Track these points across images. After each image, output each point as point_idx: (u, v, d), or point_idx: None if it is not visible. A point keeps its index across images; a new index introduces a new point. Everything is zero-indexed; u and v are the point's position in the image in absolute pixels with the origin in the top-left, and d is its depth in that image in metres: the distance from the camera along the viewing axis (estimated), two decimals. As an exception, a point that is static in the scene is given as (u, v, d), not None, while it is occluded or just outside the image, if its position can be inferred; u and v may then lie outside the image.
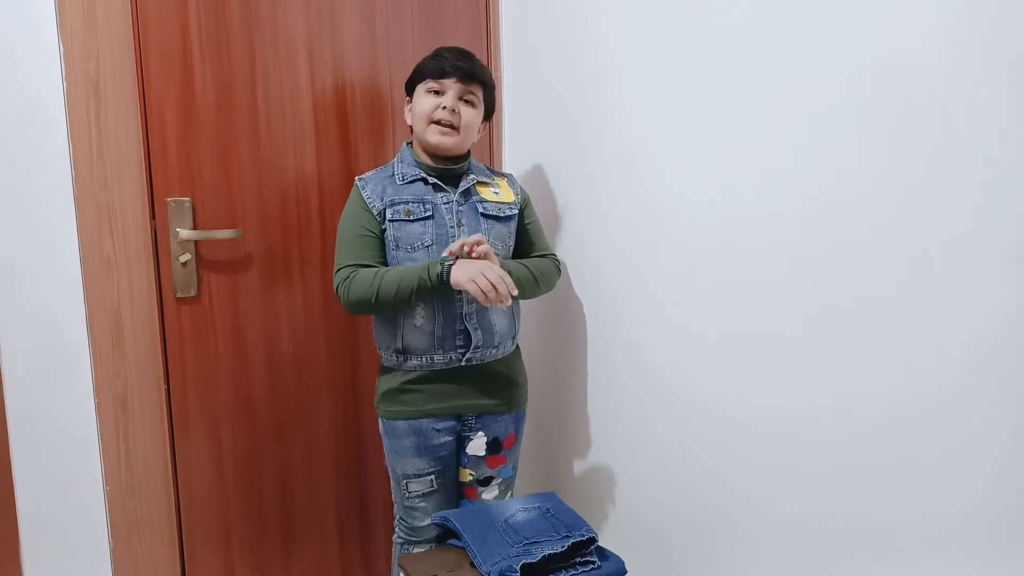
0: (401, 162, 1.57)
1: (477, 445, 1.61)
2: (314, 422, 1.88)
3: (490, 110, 1.62)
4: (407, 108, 1.61)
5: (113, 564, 1.69)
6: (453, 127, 1.51)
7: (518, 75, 1.96)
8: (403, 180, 1.54)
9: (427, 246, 1.50)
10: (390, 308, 1.48)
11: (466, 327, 1.52)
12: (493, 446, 1.62)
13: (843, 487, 1.16)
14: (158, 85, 1.63)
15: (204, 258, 1.71)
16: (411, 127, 1.60)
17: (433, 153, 1.56)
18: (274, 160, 1.76)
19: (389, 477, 1.66)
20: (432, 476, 1.59)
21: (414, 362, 1.53)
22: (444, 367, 1.53)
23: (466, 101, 1.54)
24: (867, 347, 1.09)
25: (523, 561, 1.24)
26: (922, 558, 1.06)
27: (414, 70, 1.58)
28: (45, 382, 1.60)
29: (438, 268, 1.42)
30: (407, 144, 1.61)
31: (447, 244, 1.49)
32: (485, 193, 1.58)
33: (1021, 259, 0.91)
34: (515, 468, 1.70)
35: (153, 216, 1.66)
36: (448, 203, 1.53)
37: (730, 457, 1.36)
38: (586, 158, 1.68)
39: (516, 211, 1.62)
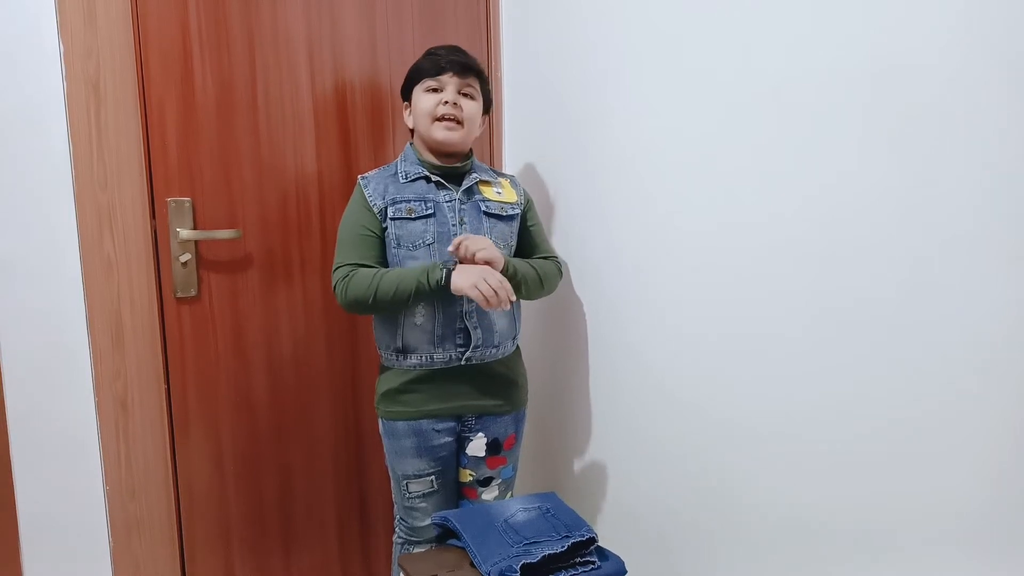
0: (404, 160, 1.58)
1: (477, 446, 1.61)
2: (314, 422, 1.88)
3: (488, 101, 1.63)
4: (406, 112, 1.61)
5: (113, 564, 1.69)
6: (457, 121, 1.52)
7: (518, 75, 1.96)
8: (406, 178, 1.54)
9: (428, 244, 1.50)
10: (387, 309, 1.49)
11: (466, 326, 1.52)
12: (493, 447, 1.62)
13: (843, 487, 1.16)
14: (158, 85, 1.63)
15: (204, 258, 1.72)
16: (412, 130, 1.60)
17: (437, 151, 1.56)
18: (274, 160, 1.76)
19: (389, 477, 1.66)
20: (432, 476, 1.59)
21: (414, 360, 1.53)
22: (444, 366, 1.53)
23: (465, 94, 1.55)
24: (867, 347, 1.09)
25: (523, 561, 1.24)
26: (922, 558, 1.06)
27: (408, 73, 1.59)
28: (45, 382, 1.60)
29: (437, 273, 1.42)
30: (411, 143, 1.61)
31: (449, 243, 1.49)
32: (488, 192, 1.58)
33: (1021, 259, 0.91)
34: (515, 469, 1.70)
35: (153, 216, 1.66)
36: (451, 201, 1.53)
37: (730, 457, 1.36)
38: (586, 158, 1.69)
39: (518, 211, 1.62)
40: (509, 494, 1.69)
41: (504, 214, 1.58)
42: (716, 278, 1.35)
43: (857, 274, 1.10)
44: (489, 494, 1.65)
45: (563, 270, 1.72)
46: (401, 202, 1.51)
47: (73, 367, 1.62)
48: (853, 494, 1.14)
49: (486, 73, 1.62)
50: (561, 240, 1.79)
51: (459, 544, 1.38)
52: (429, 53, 1.57)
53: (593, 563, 1.30)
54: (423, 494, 1.60)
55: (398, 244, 1.51)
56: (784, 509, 1.26)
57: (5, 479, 1.59)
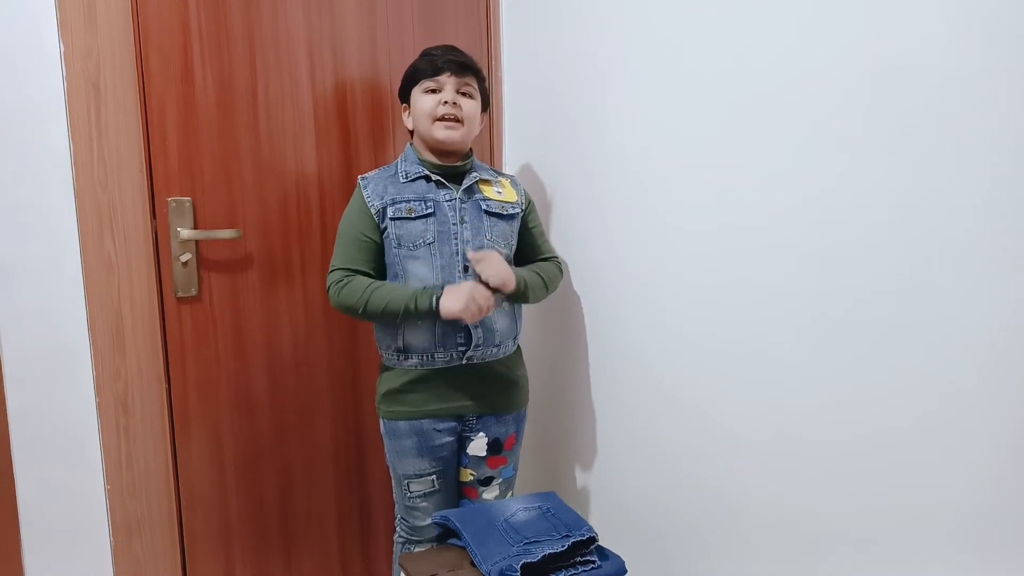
0: (405, 160, 1.58)
1: (478, 446, 1.61)
2: (315, 422, 1.88)
3: (486, 100, 1.63)
4: (405, 114, 1.61)
5: (114, 564, 1.69)
6: (458, 120, 1.52)
7: (518, 75, 1.96)
8: (406, 178, 1.54)
9: (428, 243, 1.50)
10: (376, 321, 1.52)
11: (467, 326, 1.52)
12: (494, 447, 1.62)
13: (843, 487, 1.16)
14: (158, 85, 1.63)
15: (205, 258, 1.72)
16: (411, 132, 1.60)
17: (437, 151, 1.56)
18: (275, 160, 1.76)
19: (390, 477, 1.66)
20: (433, 476, 1.59)
21: (415, 360, 1.53)
22: (445, 366, 1.53)
23: (464, 93, 1.55)
24: (867, 347, 1.09)
25: (523, 560, 1.24)
26: (922, 558, 1.06)
27: (406, 75, 1.59)
28: (46, 382, 1.60)
29: (426, 302, 1.44)
30: (411, 144, 1.61)
31: (449, 241, 1.50)
32: (488, 191, 1.58)
33: (1021, 259, 0.91)
34: (515, 468, 1.70)
35: (154, 216, 1.66)
36: (451, 200, 1.53)
37: (730, 457, 1.36)
38: (586, 158, 1.69)
39: (518, 211, 1.62)
40: (510, 494, 1.69)
41: (505, 213, 1.59)
42: (716, 278, 1.35)
43: (857, 274, 1.10)
44: (490, 494, 1.65)
45: (563, 269, 1.73)
46: (401, 202, 1.51)
47: (74, 367, 1.62)
48: (853, 494, 1.14)
49: (484, 72, 1.62)
50: (561, 240, 1.79)
51: (459, 543, 1.38)
52: (426, 54, 1.57)
53: (593, 562, 1.30)
54: (424, 494, 1.60)
55: (399, 244, 1.51)
56: (784, 509, 1.27)
57: (6, 479, 1.59)
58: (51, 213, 1.57)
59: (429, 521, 1.56)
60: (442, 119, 1.52)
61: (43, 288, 1.58)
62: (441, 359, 1.53)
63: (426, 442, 1.57)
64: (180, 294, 1.69)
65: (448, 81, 1.53)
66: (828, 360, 1.16)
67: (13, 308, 1.56)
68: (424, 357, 1.53)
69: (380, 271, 1.55)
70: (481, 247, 1.53)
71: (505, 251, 1.58)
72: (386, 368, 1.60)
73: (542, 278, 1.60)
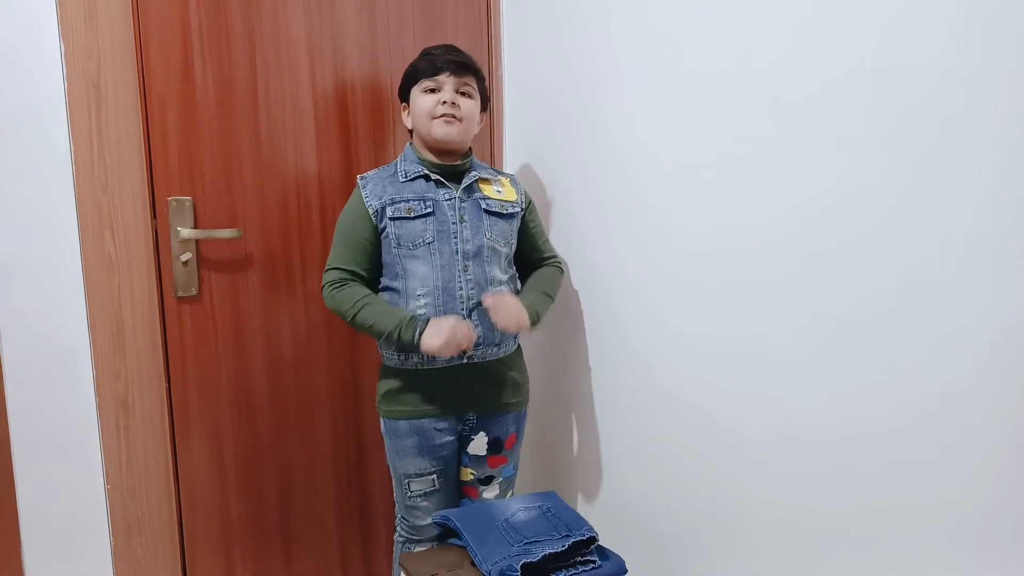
0: (404, 160, 1.58)
1: (478, 445, 1.61)
2: (315, 422, 1.88)
3: (485, 100, 1.63)
4: (404, 114, 1.61)
5: (114, 564, 1.69)
6: (456, 118, 1.52)
7: (518, 75, 1.96)
8: (405, 177, 1.55)
9: (428, 243, 1.51)
10: (361, 332, 1.55)
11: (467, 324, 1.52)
12: (494, 446, 1.62)
13: (843, 488, 1.16)
14: (159, 84, 1.63)
15: (205, 257, 1.72)
16: (411, 131, 1.61)
17: (437, 150, 1.56)
18: (275, 159, 1.76)
19: (390, 477, 1.66)
20: (433, 475, 1.59)
21: (415, 360, 1.54)
22: (445, 365, 1.53)
23: (463, 93, 1.55)
24: (867, 347, 1.09)
25: (524, 560, 1.24)
26: (922, 559, 1.06)
27: (405, 74, 1.59)
28: (46, 381, 1.60)
29: (408, 335, 1.46)
30: (410, 143, 1.61)
31: (449, 241, 1.50)
32: (488, 190, 1.59)
33: (1021, 259, 0.92)
34: (516, 468, 1.70)
35: (154, 215, 1.66)
36: (450, 199, 1.53)
37: (731, 457, 1.36)
38: (586, 158, 1.69)
39: (518, 210, 1.62)
40: (510, 493, 1.69)
41: (504, 212, 1.59)
42: (716, 278, 1.35)
43: (857, 274, 1.10)
44: (490, 493, 1.65)
45: (564, 268, 1.74)
46: (400, 202, 1.52)
47: (74, 367, 1.62)
48: (853, 494, 1.14)
49: (483, 72, 1.62)
50: (561, 240, 1.79)
51: (460, 543, 1.38)
52: (425, 53, 1.57)
53: (594, 562, 1.30)
54: (424, 493, 1.60)
55: (398, 244, 1.51)
56: (784, 509, 1.27)
57: (6, 479, 1.59)
58: (51, 213, 1.57)
59: (429, 520, 1.57)
60: (440, 117, 1.52)
61: (43, 288, 1.58)
62: (441, 359, 1.53)
63: (426, 441, 1.57)
64: (180, 294, 1.69)
65: (447, 81, 1.53)
66: (828, 360, 1.16)
67: (13, 308, 1.56)
68: (424, 357, 1.53)
69: (375, 271, 1.56)
70: (481, 246, 1.53)
71: (505, 250, 1.58)
72: (387, 367, 1.60)
73: (549, 296, 1.63)
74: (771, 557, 1.30)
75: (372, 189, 1.54)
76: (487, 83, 1.65)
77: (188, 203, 1.67)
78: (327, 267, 1.56)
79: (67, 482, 1.64)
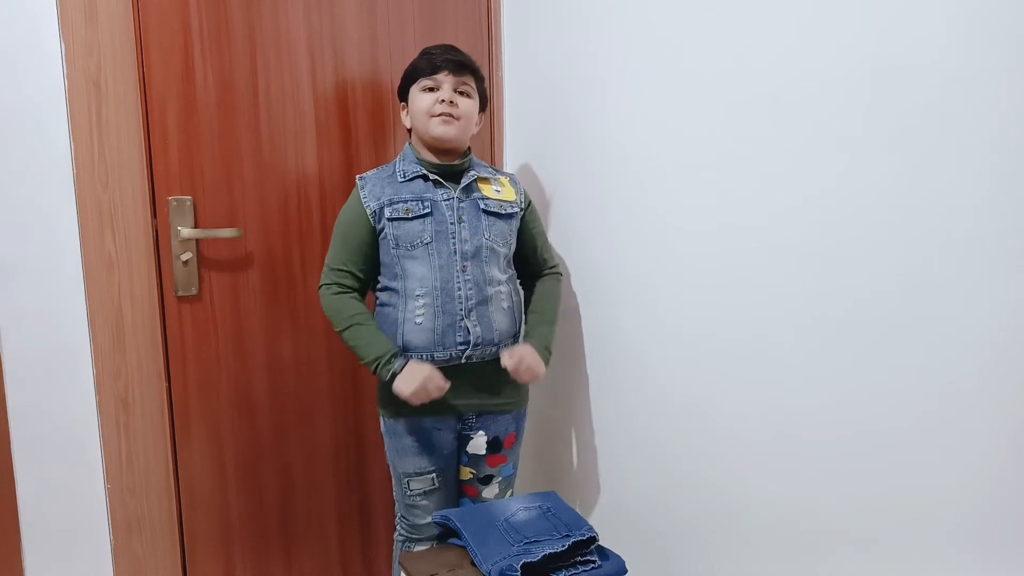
0: (403, 160, 1.58)
1: (477, 444, 1.61)
2: (315, 421, 1.88)
3: (484, 100, 1.63)
4: (403, 113, 1.61)
5: (114, 563, 1.69)
6: (454, 117, 1.53)
7: (518, 75, 1.96)
8: (404, 177, 1.55)
9: (426, 243, 1.51)
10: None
11: (466, 324, 1.52)
12: (493, 445, 1.62)
13: (843, 488, 1.16)
14: (159, 83, 1.63)
15: (205, 257, 1.72)
16: (409, 130, 1.61)
17: (435, 149, 1.56)
18: (275, 159, 1.76)
19: (390, 477, 1.66)
20: (433, 474, 1.59)
21: (414, 359, 1.53)
22: (445, 364, 1.53)
23: (461, 92, 1.55)
24: (867, 347, 1.09)
25: (524, 560, 1.24)
26: (922, 559, 1.06)
27: (404, 74, 1.60)
28: (46, 380, 1.60)
29: (385, 374, 1.48)
30: (409, 143, 1.61)
31: (447, 241, 1.51)
32: (487, 190, 1.59)
33: (1021, 259, 0.91)
34: (515, 467, 1.70)
35: (154, 215, 1.66)
36: (448, 200, 1.53)
37: (731, 457, 1.36)
38: (586, 158, 1.69)
39: (517, 210, 1.62)
40: (509, 492, 1.69)
41: (503, 212, 1.59)
42: (716, 278, 1.35)
43: (857, 274, 1.10)
44: (489, 492, 1.65)
45: (563, 271, 1.74)
46: (398, 202, 1.52)
47: (74, 366, 1.62)
48: (853, 494, 1.14)
49: (482, 72, 1.62)
50: (561, 240, 1.79)
51: (460, 543, 1.38)
52: (425, 53, 1.57)
53: (594, 562, 1.30)
54: (424, 492, 1.60)
55: (396, 244, 1.51)
56: (784, 509, 1.27)
57: (6, 478, 1.59)
58: (51, 212, 1.57)
59: (429, 519, 1.57)
60: (438, 116, 1.52)
61: (43, 287, 1.58)
62: (441, 358, 1.53)
63: (426, 440, 1.57)
64: (180, 293, 1.69)
65: (446, 80, 1.53)
66: (828, 360, 1.16)
67: (13, 308, 1.56)
68: (424, 356, 1.53)
69: (372, 271, 1.57)
70: (479, 246, 1.53)
71: (503, 250, 1.58)
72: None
73: (554, 323, 1.65)
74: (771, 557, 1.30)
75: (370, 190, 1.54)
76: (487, 83, 1.65)
77: (188, 202, 1.67)
78: (325, 266, 1.57)
79: (67, 481, 1.64)
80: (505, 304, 1.58)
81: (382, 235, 1.53)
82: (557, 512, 1.41)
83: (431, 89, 1.54)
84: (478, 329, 1.53)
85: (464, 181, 1.56)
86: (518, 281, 1.68)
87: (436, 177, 1.54)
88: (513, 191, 1.64)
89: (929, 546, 1.05)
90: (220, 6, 1.67)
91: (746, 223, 1.28)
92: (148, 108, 1.63)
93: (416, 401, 1.48)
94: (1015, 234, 0.92)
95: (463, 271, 1.52)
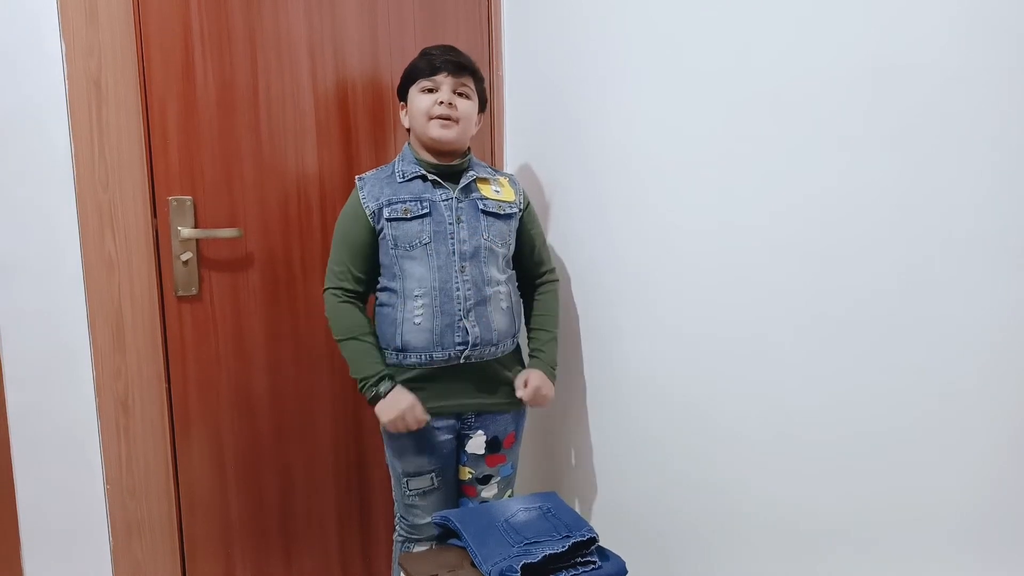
0: (402, 160, 1.58)
1: (476, 444, 1.61)
2: (315, 421, 1.88)
3: (484, 101, 1.63)
4: (402, 113, 1.61)
5: (113, 564, 1.69)
6: (452, 119, 1.52)
7: (518, 75, 1.96)
8: (403, 177, 1.54)
9: (425, 244, 1.51)
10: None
11: (465, 324, 1.52)
12: (492, 445, 1.62)
13: (843, 488, 1.16)
14: (160, 83, 1.63)
15: (205, 257, 1.72)
16: (408, 130, 1.61)
17: (434, 150, 1.56)
18: (275, 159, 1.76)
19: (389, 476, 1.66)
20: (432, 474, 1.59)
21: (413, 359, 1.53)
22: (444, 364, 1.53)
23: (460, 94, 1.55)
24: (867, 347, 1.09)
25: (524, 561, 1.24)
26: (922, 559, 1.06)
27: (404, 74, 1.60)
28: (46, 381, 1.60)
29: (370, 395, 1.51)
30: (408, 143, 1.61)
31: (446, 241, 1.51)
32: (486, 190, 1.58)
33: (1021, 259, 0.91)
34: (514, 467, 1.70)
35: (154, 215, 1.66)
36: (447, 200, 1.53)
37: (730, 457, 1.36)
38: (586, 157, 1.68)
39: (516, 210, 1.62)
40: (508, 492, 1.69)
41: (502, 212, 1.58)
42: (716, 278, 1.35)
43: (857, 274, 1.10)
44: (488, 492, 1.65)
45: (560, 274, 1.74)
46: (397, 203, 1.52)
47: (74, 366, 1.62)
48: (853, 494, 1.14)
49: (482, 72, 1.62)
50: (561, 240, 1.79)
51: (460, 544, 1.38)
52: (424, 53, 1.57)
53: (594, 563, 1.30)
54: (423, 491, 1.60)
55: (395, 245, 1.51)
56: (784, 509, 1.26)
57: (6, 479, 1.59)
58: (52, 212, 1.57)
59: (428, 519, 1.56)
60: (437, 118, 1.52)
61: (43, 288, 1.58)
62: (440, 358, 1.53)
63: (425, 440, 1.57)
64: (180, 293, 1.69)
65: (445, 81, 1.53)
66: (828, 360, 1.15)
67: (13, 308, 1.56)
68: (423, 356, 1.53)
69: (372, 272, 1.57)
70: (478, 246, 1.53)
71: (502, 250, 1.58)
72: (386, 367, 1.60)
73: (556, 336, 1.67)
74: (771, 557, 1.30)
75: (369, 190, 1.54)
76: (487, 83, 1.65)
77: (188, 202, 1.67)
78: (328, 268, 1.57)
79: (67, 482, 1.64)
80: (504, 304, 1.58)
81: (381, 235, 1.53)
82: (557, 513, 1.40)
83: (430, 90, 1.54)
84: (477, 329, 1.53)
85: (463, 181, 1.56)
86: (516, 284, 1.68)
87: (435, 177, 1.54)
88: (512, 191, 1.63)
89: (929, 546, 1.05)
90: (220, 6, 1.67)
91: (747, 222, 1.27)
92: (148, 108, 1.63)
93: (393, 429, 1.50)
94: (1016, 233, 0.91)
95: (462, 271, 1.51)
